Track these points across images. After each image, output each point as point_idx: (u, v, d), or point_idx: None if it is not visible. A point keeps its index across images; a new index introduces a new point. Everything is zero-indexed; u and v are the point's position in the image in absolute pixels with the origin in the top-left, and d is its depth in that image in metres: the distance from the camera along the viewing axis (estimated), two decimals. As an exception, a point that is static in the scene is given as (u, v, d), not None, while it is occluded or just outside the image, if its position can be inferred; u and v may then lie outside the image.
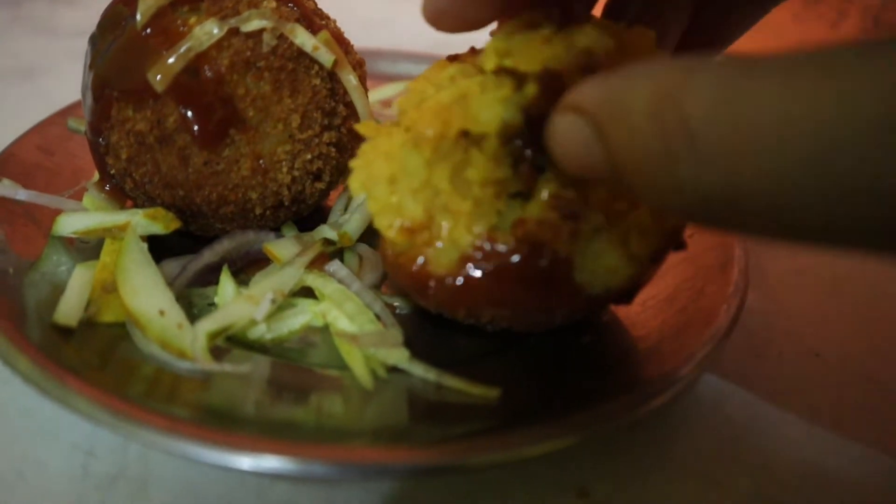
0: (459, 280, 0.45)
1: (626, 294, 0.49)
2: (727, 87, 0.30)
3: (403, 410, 0.50)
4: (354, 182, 0.47)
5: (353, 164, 0.48)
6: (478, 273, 0.45)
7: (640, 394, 0.47)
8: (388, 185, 0.46)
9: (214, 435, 0.42)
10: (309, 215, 0.66)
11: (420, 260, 0.46)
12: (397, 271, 0.48)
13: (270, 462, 0.41)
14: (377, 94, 0.87)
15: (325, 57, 0.58)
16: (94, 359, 0.50)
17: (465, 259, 0.45)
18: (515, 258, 0.44)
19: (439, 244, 0.46)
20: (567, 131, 0.38)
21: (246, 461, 0.41)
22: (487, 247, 0.44)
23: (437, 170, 0.45)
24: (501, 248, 0.44)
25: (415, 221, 0.46)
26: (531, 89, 0.43)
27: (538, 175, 0.44)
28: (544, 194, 0.44)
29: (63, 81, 1.05)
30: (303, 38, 0.57)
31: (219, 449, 0.41)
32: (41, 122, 0.73)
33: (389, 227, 0.46)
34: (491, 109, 0.43)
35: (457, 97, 0.45)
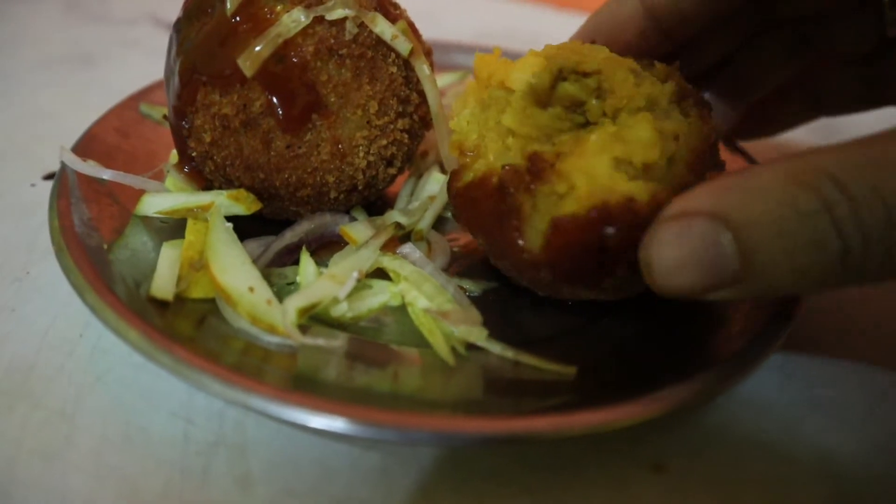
0: (466, 197, 0.56)
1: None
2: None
3: (481, 386, 0.52)
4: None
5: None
6: (474, 194, 0.55)
7: (716, 372, 0.49)
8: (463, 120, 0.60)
9: (305, 399, 0.44)
10: (374, 199, 0.69)
11: (458, 176, 0.58)
12: (449, 187, 0.59)
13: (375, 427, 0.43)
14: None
15: (403, 45, 0.60)
16: (188, 331, 0.52)
17: (472, 182, 0.55)
18: (491, 192, 0.53)
19: (471, 167, 0.57)
20: (678, 238, 0.40)
21: (344, 425, 0.43)
22: (488, 179, 0.54)
23: (488, 112, 0.57)
24: (493, 180, 0.53)
25: (464, 144, 0.58)
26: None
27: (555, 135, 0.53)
28: (532, 147, 0.52)
29: (119, 68, 1.08)
30: (382, 27, 0.59)
31: (323, 414, 0.43)
32: (117, 106, 0.75)
33: (452, 145, 0.59)
34: (522, 73, 0.54)
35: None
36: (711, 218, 0.39)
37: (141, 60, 1.10)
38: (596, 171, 0.49)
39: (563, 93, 0.55)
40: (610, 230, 0.48)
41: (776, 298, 0.56)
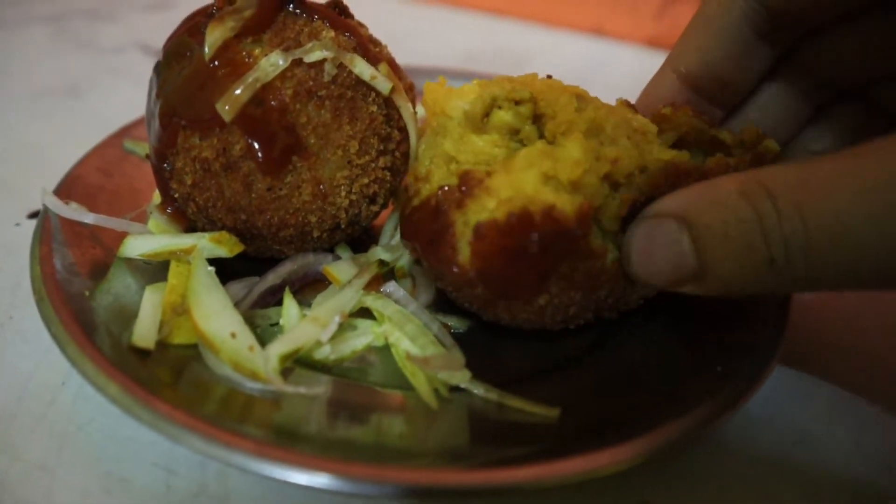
0: (410, 222, 0.56)
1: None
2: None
3: (465, 430, 0.52)
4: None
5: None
6: (416, 218, 0.56)
7: (703, 411, 0.49)
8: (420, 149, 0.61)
9: (286, 455, 0.44)
10: (358, 235, 0.68)
11: (408, 201, 0.58)
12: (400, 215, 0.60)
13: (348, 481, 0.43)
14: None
15: (383, 85, 0.60)
16: (169, 379, 0.52)
17: (416, 207, 0.56)
18: (429, 214, 0.54)
19: (419, 192, 0.57)
20: (650, 235, 0.47)
21: (322, 480, 0.43)
22: (428, 202, 0.55)
23: (436, 139, 0.58)
24: (432, 203, 0.54)
25: (418, 171, 0.59)
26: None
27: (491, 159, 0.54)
28: (462, 167, 0.53)
29: (108, 97, 1.08)
30: (361, 68, 0.59)
31: (301, 470, 0.43)
32: (100, 144, 0.75)
33: (409, 173, 0.60)
34: (459, 101, 0.57)
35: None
36: (676, 219, 0.44)
37: (129, 89, 1.10)
38: (522, 184, 0.49)
39: (499, 120, 0.56)
40: (534, 236, 0.48)
41: (758, 334, 0.56)
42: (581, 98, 0.55)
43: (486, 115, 0.56)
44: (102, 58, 1.21)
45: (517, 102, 0.55)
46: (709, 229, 0.43)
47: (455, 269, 0.52)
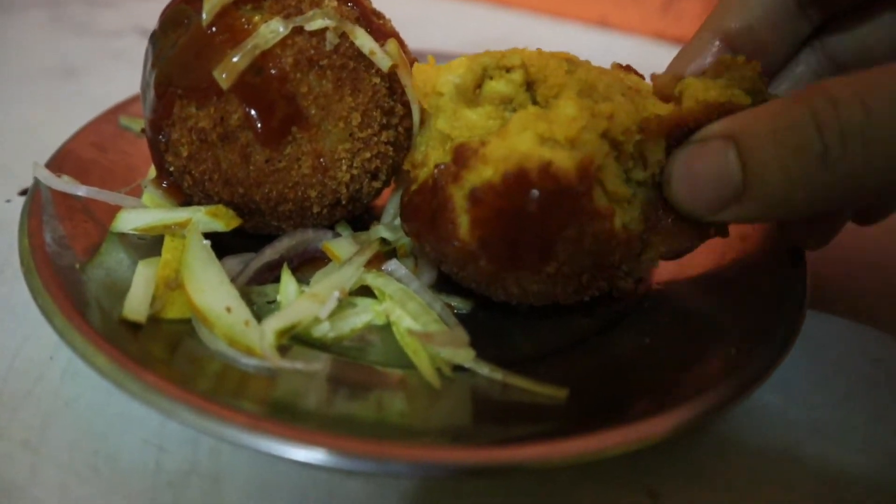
0: (409, 206, 0.55)
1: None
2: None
3: (468, 410, 0.50)
4: None
5: None
6: (415, 201, 0.54)
7: (714, 394, 0.47)
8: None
9: (283, 430, 0.42)
10: (359, 213, 0.66)
11: (407, 190, 0.57)
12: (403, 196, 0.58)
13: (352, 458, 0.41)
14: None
15: (383, 61, 0.58)
16: (162, 354, 0.50)
17: (415, 191, 0.55)
18: (427, 194, 0.53)
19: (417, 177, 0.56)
20: (694, 157, 0.47)
21: (322, 456, 0.41)
22: (426, 184, 0.53)
23: (431, 122, 0.57)
24: (429, 183, 0.53)
25: (415, 158, 0.58)
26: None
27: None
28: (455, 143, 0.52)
29: (105, 80, 1.06)
30: (363, 40, 0.57)
31: (298, 445, 0.41)
32: (95, 120, 0.73)
33: (407, 161, 0.59)
34: (448, 76, 0.55)
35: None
36: (723, 138, 0.44)
37: (126, 72, 1.07)
38: (518, 147, 0.47)
39: (491, 91, 0.54)
40: (533, 194, 0.46)
41: (774, 318, 0.54)
42: (571, 62, 0.53)
43: (478, 86, 0.54)
44: (100, 41, 1.20)
45: (507, 70, 0.53)
46: (756, 138, 0.43)
47: (456, 244, 0.50)
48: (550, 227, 0.47)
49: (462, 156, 0.49)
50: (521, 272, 0.50)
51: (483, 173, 0.47)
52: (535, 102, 0.52)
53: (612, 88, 0.51)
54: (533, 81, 0.53)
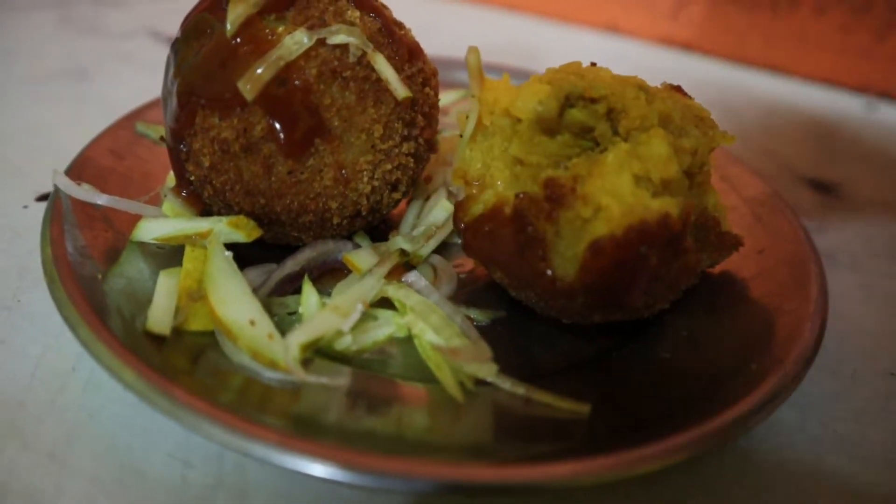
0: (478, 230, 0.54)
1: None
2: None
3: (490, 426, 0.50)
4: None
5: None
6: (488, 227, 0.53)
7: (738, 411, 0.47)
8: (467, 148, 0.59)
9: (309, 447, 0.42)
10: (377, 224, 0.67)
11: (464, 207, 0.56)
12: (456, 218, 0.58)
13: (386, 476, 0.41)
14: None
15: (399, 90, 0.57)
16: (185, 366, 0.50)
17: (484, 215, 0.54)
18: (506, 222, 0.52)
19: (479, 197, 0.56)
20: None
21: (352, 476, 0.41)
22: (500, 210, 0.52)
23: (492, 140, 0.56)
24: (506, 211, 0.52)
25: (468, 173, 0.57)
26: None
27: (564, 161, 0.52)
28: (546, 174, 0.50)
29: (114, 82, 1.06)
30: (381, 66, 0.57)
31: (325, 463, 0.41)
32: (111, 127, 0.73)
33: (456, 174, 0.58)
34: (527, 101, 0.53)
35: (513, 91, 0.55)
36: None
37: (137, 75, 1.08)
38: (619, 190, 0.47)
39: (572, 119, 0.54)
40: (643, 248, 0.47)
41: (794, 334, 0.54)
42: (644, 89, 0.53)
43: (560, 114, 0.54)
44: (110, 43, 1.19)
45: (592, 100, 0.53)
46: None
47: (557, 284, 0.50)
48: (656, 269, 0.48)
49: (556, 193, 0.49)
50: (613, 308, 0.51)
51: (600, 227, 0.47)
52: (615, 132, 0.52)
53: (686, 119, 0.52)
54: (612, 109, 0.52)
